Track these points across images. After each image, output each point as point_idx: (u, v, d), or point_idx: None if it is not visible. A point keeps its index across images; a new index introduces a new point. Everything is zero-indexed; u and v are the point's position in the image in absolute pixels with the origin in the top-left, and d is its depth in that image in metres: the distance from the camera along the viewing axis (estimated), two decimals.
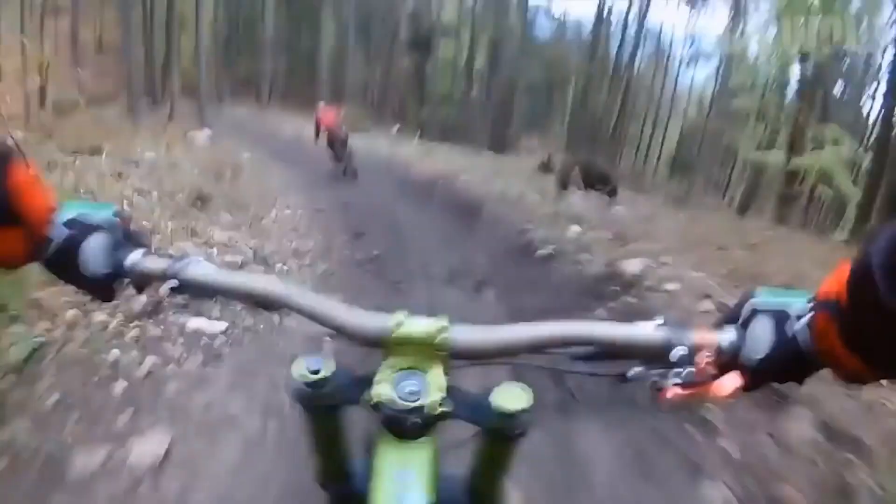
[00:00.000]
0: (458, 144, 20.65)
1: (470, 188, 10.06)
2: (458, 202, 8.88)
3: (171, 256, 0.66)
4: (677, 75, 38.65)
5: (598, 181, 9.90)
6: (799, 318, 0.54)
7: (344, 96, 33.87)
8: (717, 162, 29.70)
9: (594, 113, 33.07)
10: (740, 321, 0.59)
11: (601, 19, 35.78)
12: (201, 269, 0.64)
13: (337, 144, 10.79)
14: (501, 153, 21.87)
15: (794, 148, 15.99)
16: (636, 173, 33.22)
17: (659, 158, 37.37)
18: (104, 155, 7.49)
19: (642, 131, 37.09)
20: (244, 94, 34.44)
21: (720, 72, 27.66)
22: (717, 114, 26.50)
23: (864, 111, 22.67)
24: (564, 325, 0.59)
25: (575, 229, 6.95)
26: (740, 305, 0.60)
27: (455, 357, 0.58)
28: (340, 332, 0.59)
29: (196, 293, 0.64)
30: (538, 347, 0.59)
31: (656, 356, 0.57)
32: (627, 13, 35.37)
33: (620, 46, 35.13)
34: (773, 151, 17.43)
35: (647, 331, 0.58)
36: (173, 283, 0.64)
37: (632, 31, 35.27)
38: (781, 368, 0.56)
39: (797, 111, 16.12)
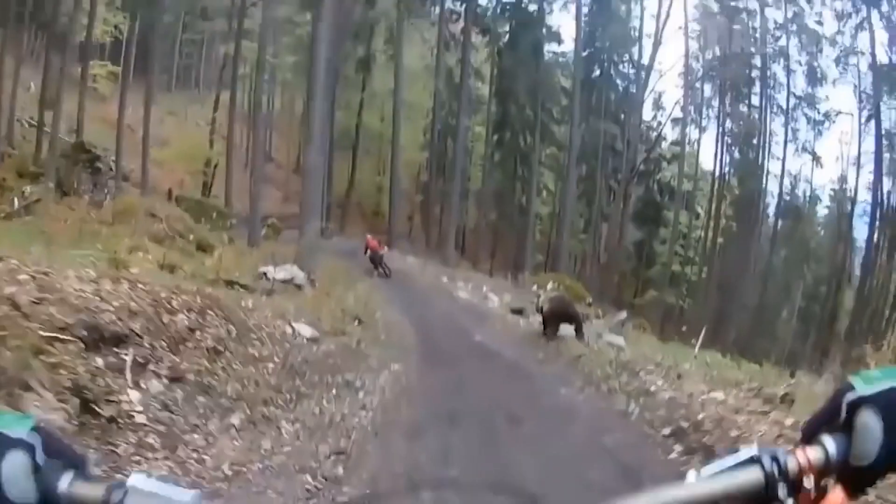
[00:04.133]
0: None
1: None
2: None
3: (107, 479, 0.53)
4: None
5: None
6: None
7: (557, 265, 27.91)
8: None
9: None
10: (841, 420, 0.51)
11: None
12: (147, 497, 0.51)
13: (376, 259, 17.98)
14: None
15: None
16: None
17: None
18: None
19: None
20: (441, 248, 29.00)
21: None
22: None
23: None
24: (644, 498, 0.49)
25: None
26: (837, 402, 0.51)
27: None
28: None
29: None
30: None
31: (756, 499, 0.49)
32: None
33: None
34: None
35: (745, 475, 0.49)
36: None
37: None
38: (894, 462, 0.49)
39: None
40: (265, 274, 10.43)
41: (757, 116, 30.96)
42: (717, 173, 31.97)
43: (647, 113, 32.96)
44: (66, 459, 0.54)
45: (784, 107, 30.64)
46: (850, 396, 0.50)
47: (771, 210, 33.08)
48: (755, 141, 31.06)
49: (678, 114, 31.76)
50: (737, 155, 31.91)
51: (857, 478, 0.49)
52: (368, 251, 18.20)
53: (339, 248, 21.44)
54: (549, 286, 22.87)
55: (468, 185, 30.93)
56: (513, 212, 30.17)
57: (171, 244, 13.11)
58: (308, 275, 11.43)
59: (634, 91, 32.66)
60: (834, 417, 0.51)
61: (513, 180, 30.39)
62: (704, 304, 30.48)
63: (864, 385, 0.49)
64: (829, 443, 0.49)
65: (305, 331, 6.50)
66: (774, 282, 32.42)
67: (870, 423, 0.48)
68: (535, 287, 23.06)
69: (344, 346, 6.90)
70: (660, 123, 32.78)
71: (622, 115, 31.95)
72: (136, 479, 0.51)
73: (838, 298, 31.53)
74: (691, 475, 0.50)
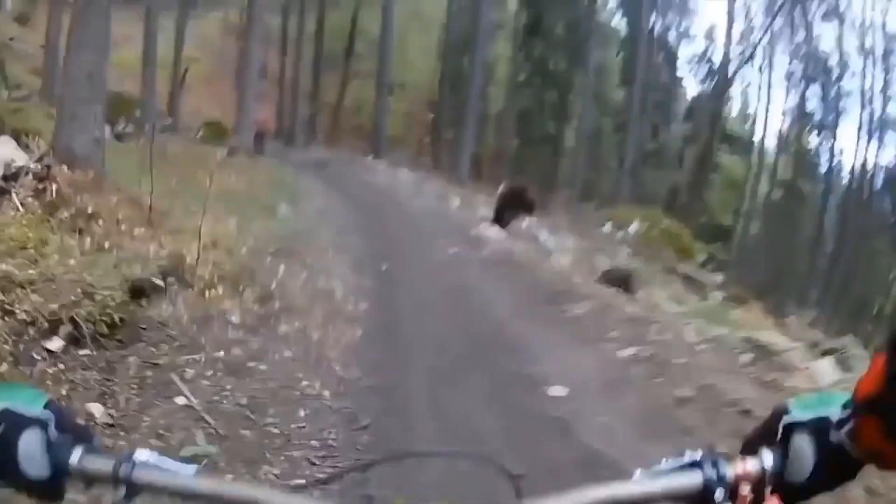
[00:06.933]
0: None
1: None
2: None
3: (115, 455, 0.57)
4: None
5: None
6: (840, 425, 0.51)
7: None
8: None
9: None
10: (777, 439, 0.54)
11: None
12: (153, 469, 0.56)
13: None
14: None
15: None
16: None
17: None
18: None
19: None
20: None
21: None
22: None
23: None
24: (590, 492, 0.51)
25: None
26: (774, 422, 0.55)
27: None
28: None
29: (153, 496, 0.56)
30: None
31: (694, 501, 0.52)
32: None
33: None
34: None
35: (685, 477, 0.52)
36: (122, 490, 0.54)
37: None
38: (826, 483, 0.53)
39: None
40: None
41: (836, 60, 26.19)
42: (784, 121, 27.26)
43: (699, 45, 28.49)
44: (75, 434, 0.57)
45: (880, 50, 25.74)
46: (785, 419, 0.53)
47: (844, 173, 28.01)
48: (833, 90, 26.33)
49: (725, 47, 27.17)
50: (809, 105, 27.08)
51: (791, 491, 0.52)
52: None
53: (298, 158, 18.87)
54: (633, 227, 16.71)
55: (488, 107, 26.29)
56: (538, 139, 25.48)
57: None
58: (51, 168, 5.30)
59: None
60: (771, 436, 0.54)
61: (541, 104, 25.74)
62: (756, 266, 25.65)
63: (800, 410, 0.53)
64: (767, 457, 0.53)
65: None
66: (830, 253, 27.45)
67: (803, 447, 0.52)
68: (607, 227, 16.60)
69: None
70: (710, 58, 28.24)
71: (668, 43, 27.49)
72: (141, 454, 0.55)
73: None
74: (637, 473, 0.53)
